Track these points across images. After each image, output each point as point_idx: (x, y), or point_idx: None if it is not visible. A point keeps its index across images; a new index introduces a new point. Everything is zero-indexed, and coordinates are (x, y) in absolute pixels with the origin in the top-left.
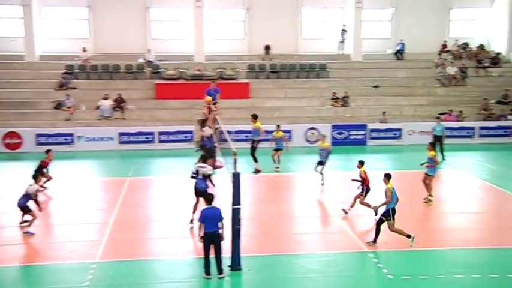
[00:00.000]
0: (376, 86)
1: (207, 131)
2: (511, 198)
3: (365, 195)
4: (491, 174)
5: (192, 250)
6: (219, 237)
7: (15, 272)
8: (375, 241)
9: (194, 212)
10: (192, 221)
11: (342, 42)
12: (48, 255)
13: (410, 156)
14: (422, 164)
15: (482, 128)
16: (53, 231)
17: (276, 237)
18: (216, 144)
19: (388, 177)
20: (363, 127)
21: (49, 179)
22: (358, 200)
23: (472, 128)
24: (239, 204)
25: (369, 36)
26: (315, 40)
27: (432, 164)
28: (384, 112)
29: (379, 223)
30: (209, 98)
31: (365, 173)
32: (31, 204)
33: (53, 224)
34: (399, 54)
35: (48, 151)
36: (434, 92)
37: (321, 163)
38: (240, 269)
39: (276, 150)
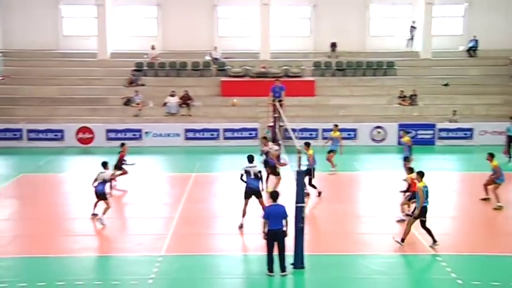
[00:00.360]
0: (446, 84)
1: (274, 148)
2: None
3: (409, 200)
4: None
5: (255, 247)
6: (283, 235)
7: (85, 262)
8: (434, 241)
9: (244, 215)
10: (241, 226)
11: (411, 39)
12: (116, 247)
13: (481, 158)
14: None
15: None
16: (121, 224)
17: (340, 236)
18: (280, 142)
19: (421, 175)
20: (431, 126)
21: (125, 173)
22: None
23: None
24: (303, 202)
25: (440, 32)
26: (383, 37)
27: (496, 174)
28: (455, 111)
29: (423, 224)
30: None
31: (412, 179)
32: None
33: (121, 217)
34: (471, 51)
35: (122, 144)
36: (509, 90)
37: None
38: (303, 268)
39: (330, 152)
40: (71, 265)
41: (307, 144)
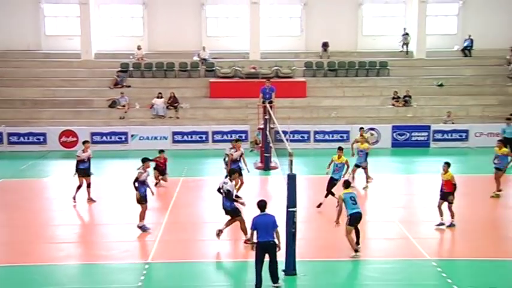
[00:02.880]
0: (440, 85)
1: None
2: None
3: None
4: None
5: (245, 253)
6: (274, 247)
7: (69, 270)
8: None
9: (227, 226)
10: (220, 232)
11: (406, 44)
12: (102, 255)
13: (477, 159)
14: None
15: None
16: (106, 230)
17: (333, 241)
18: (271, 145)
19: (345, 185)
20: (426, 128)
21: (164, 180)
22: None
23: None
24: (294, 206)
25: (434, 32)
26: (376, 37)
27: (506, 161)
28: (449, 112)
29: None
30: None
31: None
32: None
33: (107, 224)
34: (467, 50)
35: (161, 151)
36: (505, 91)
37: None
38: (294, 274)
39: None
40: (55, 274)
41: (341, 149)
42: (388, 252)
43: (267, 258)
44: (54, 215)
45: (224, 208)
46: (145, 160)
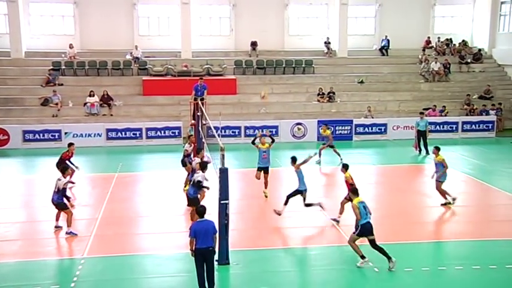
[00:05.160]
0: (361, 82)
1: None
2: (494, 192)
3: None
4: (475, 169)
5: (180, 245)
6: (213, 254)
7: (5, 268)
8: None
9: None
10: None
11: (328, 52)
12: (36, 251)
13: (395, 151)
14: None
15: (464, 122)
16: (40, 227)
17: (264, 231)
18: (203, 140)
19: (354, 192)
20: (348, 122)
21: (72, 172)
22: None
23: (455, 123)
24: (227, 199)
25: (354, 32)
26: (301, 36)
27: (442, 170)
28: (369, 107)
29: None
30: None
31: (351, 178)
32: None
33: (41, 220)
34: (384, 50)
35: (70, 144)
36: (418, 87)
37: None
38: (227, 263)
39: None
40: None
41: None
42: (316, 240)
43: None
44: None
45: (188, 196)
46: (65, 169)
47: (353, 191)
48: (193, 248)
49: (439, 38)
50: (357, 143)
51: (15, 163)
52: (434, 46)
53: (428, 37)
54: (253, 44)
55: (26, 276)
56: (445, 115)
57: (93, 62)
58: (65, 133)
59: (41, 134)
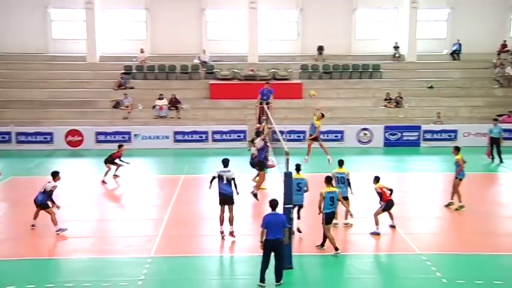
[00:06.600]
0: (430, 87)
1: (258, 143)
2: None
3: (383, 210)
4: None
5: (244, 247)
6: (281, 245)
7: (75, 264)
8: (321, 245)
9: (222, 223)
10: (222, 233)
11: (398, 56)
12: (106, 249)
13: (466, 158)
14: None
15: None
16: (110, 225)
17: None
18: (268, 144)
19: (327, 180)
20: (416, 128)
21: (119, 166)
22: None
23: None
24: (291, 203)
25: (424, 36)
26: (369, 41)
27: (458, 168)
28: (439, 113)
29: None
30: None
31: (381, 188)
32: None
33: (111, 219)
34: (455, 54)
35: (120, 145)
36: (492, 93)
37: None
38: (291, 268)
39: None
40: (61, 267)
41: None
42: (380, 247)
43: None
44: (60, 211)
45: (224, 195)
46: (56, 174)
47: (326, 178)
48: (263, 239)
49: None
50: (424, 149)
51: (88, 163)
52: (511, 50)
53: (504, 41)
54: (320, 49)
55: (97, 273)
56: None
57: (162, 66)
58: (135, 135)
59: (112, 136)
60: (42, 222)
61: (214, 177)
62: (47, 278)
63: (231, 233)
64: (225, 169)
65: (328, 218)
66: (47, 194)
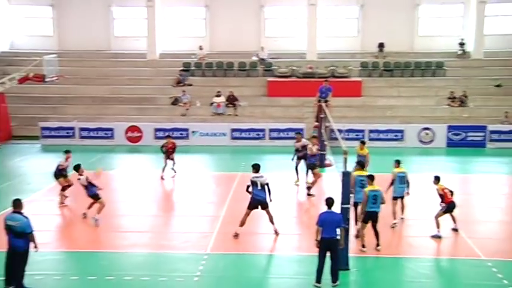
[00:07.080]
0: (498, 85)
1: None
2: None
3: (445, 212)
4: None
5: (299, 247)
6: (337, 244)
7: (133, 258)
8: (378, 245)
9: (242, 225)
10: (237, 236)
11: (463, 53)
12: (163, 244)
13: None
14: None
15: None
16: (168, 221)
17: (386, 238)
18: (326, 143)
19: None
20: (482, 128)
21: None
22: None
23: None
24: (348, 203)
25: (492, 32)
26: (432, 37)
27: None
28: (507, 112)
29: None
30: None
31: (443, 189)
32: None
33: (168, 215)
34: None
35: (168, 136)
36: None
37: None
38: (347, 269)
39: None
40: (120, 260)
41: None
42: (441, 251)
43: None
44: (120, 206)
45: (258, 200)
46: (78, 167)
47: (368, 177)
48: (319, 238)
49: None
50: (490, 150)
51: (147, 159)
52: None
53: None
54: (381, 45)
55: (154, 268)
56: None
57: (220, 63)
58: (192, 132)
59: (171, 132)
60: (102, 217)
61: (249, 185)
62: (107, 271)
63: (276, 231)
64: (258, 174)
65: (368, 216)
66: (90, 187)
